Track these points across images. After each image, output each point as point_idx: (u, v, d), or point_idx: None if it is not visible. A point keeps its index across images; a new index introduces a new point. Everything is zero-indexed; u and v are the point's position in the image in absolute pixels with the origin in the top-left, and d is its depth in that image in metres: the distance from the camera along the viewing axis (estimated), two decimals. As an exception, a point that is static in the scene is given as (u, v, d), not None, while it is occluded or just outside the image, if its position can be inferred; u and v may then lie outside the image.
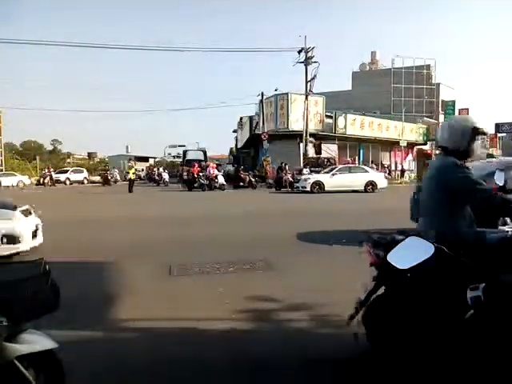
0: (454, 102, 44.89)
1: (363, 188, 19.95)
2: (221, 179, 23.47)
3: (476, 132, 2.53)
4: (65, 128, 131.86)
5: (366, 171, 21.26)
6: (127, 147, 62.32)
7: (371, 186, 20.10)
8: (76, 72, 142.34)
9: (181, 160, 39.54)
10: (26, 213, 5.96)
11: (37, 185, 32.38)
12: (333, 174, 20.24)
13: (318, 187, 19.60)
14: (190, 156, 33.01)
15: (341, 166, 22.26)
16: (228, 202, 16.45)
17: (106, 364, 2.74)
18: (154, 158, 60.14)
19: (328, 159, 27.19)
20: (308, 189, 19.53)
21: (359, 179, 20.20)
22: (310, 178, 20.64)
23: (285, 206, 14.00)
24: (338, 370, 2.71)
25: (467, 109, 44.94)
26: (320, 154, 28.85)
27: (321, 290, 4.28)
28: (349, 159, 30.40)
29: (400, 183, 29.34)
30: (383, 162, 35.77)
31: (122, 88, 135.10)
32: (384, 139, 34.57)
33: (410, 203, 6.39)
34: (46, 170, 32.76)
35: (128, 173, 23.47)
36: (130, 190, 21.59)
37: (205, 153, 35.18)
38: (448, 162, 2.48)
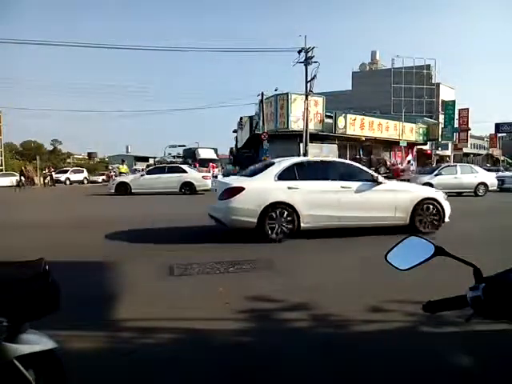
0: (454, 101, 44.93)
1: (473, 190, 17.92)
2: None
3: None
4: (65, 128, 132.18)
5: (476, 171, 18.97)
6: (127, 147, 62.44)
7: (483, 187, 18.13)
8: (76, 72, 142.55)
9: (181, 160, 39.09)
10: None
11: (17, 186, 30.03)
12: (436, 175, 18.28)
13: None
14: (202, 155, 31.41)
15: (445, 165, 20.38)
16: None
17: (106, 364, 2.74)
18: (154, 157, 60.16)
19: (378, 160, 27.36)
20: None
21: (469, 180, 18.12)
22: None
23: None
24: (339, 369, 2.71)
25: (467, 109, 44.96)
26: (371, 154, 29.15)
27: (321, 289, 4.28)
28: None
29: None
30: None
31: (123, 88, 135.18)
32: (384, 139, 34.58)
33: None
34: (47, 170, 32.74)
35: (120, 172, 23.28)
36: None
37: (216, 151, 34.22)
38: None
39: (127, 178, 19.79)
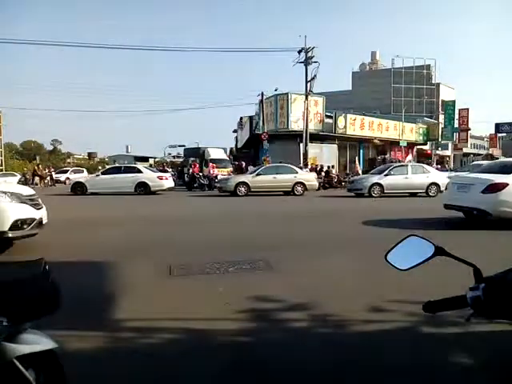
0: (454, 101, 44.95)
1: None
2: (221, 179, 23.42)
3: None
4: (65, 128, 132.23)
5: (427, 171, 18.41)
6: (127, 147, 62.40)
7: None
8: (76, 72, 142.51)
9: (181, 160, 38.70)
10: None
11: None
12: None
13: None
14: (213, 155, 29.49)
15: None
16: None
17: (106, 364, 2.74)
18: (154, 157, 60.15)
19: (392, 160, 27.75)
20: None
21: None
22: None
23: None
24: (339, 370, 2.71)
25: (467, 109, 44.96)
26: (384, 155, 29.62)
27: (321, 289, 4.28)
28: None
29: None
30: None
31: (122, 88, 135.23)
32: (384, 139, 34.57)
33: None
34: (47, 170, 32.70)
35: None
36: None
37: (226, 151, 32.80)
38: None
39: (83, 178, 19.75)
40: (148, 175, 19.42)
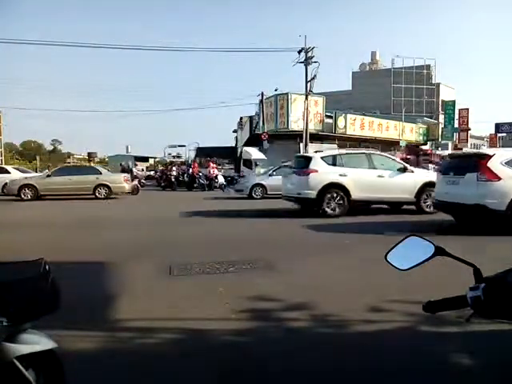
0: (454, 101, 44.85)
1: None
2: (221, 179, 23.42)
3: None
4: (65, 128, 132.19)
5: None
6: (127, 147, 62.27)
7: None
8: (76, 72, 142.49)
9: (181, 160, 38.66)
10: None
11: None
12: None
13: None
14: (254, 155, 27.39)
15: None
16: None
17: (106, 364, 2.74)
18: (154, 157, 60.09)
19: (424, 160, 27.84)
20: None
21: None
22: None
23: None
24: (339, 370, 2.71)
25: (467, 109, 44.90)
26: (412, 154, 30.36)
27: (321, 289, 4.28)
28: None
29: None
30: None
31: (122, 88, 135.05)
32: (384, 139, 34.57)
33: None
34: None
35: None
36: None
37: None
38: None
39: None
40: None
